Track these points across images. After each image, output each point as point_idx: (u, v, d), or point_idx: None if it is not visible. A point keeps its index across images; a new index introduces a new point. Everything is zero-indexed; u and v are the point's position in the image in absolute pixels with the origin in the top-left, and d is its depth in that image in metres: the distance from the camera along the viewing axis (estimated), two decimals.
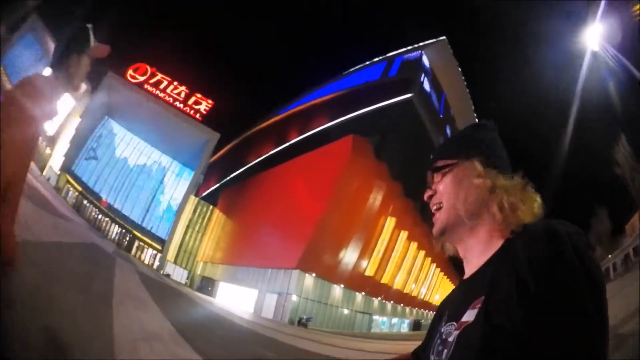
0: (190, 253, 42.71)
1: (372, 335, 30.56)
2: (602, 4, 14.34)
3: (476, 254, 0.80)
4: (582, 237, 0.66)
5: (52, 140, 25.99)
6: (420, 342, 0.95)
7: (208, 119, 38.83)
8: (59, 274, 4.66)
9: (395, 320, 42.24)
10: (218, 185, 49.57)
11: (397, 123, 33.65)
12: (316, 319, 27.42)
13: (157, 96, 36.54)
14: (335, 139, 31.36)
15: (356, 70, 46.75)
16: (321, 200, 27.85)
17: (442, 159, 0.90)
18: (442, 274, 50.80)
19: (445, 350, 0.72)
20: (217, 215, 44.19)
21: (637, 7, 14.83)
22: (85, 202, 31.17)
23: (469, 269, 0.82)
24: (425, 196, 0.91)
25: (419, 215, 36.06)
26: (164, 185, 40.58)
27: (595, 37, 15.18)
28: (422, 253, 41.42)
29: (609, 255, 22.73)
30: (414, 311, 46.77)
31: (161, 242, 37.22)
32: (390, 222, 34.76)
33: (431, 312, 48.27)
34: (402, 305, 42.96)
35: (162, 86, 37.19)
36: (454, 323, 0.73)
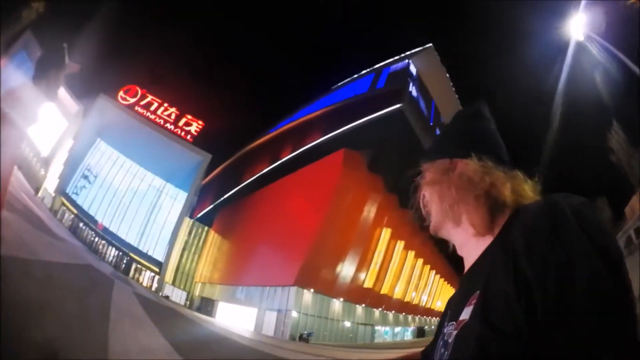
0: (187, 274, 42.23)
1: (375, 345, 30.17)
2: None
3: (473, 245, 0.75)
4: (588, 208, 0.58)
5: (45, 162, 25.93)
6: (424, 347, 0.91)
7: (199, 140, 38.94)
8: (56, 291, 4.71)
9: (398, 329, 41.73)
10: (212, 206, 49.27)
11: (388, 134, 33.90)
12: (318, 334, 27.06)
13: (148, 118, 36.62)
14: (327, 154, 31.46)
15: (344, 84, 47.16)
16: (316, 216, 27.81)
17: (425, 161, 0.89)
18: (442, 279, 50.54)
19: (446, 353, 0.65)
20: (213, 236, 43.95)
21: None
22: (81, 224, 30.90)
23: (468, 263, 0.77)
24: (413, 205, 0.90)
25: (415, 225, 35.76)
26: (159, 208, 40.33)
27: (579, 27, 15.57)
28: (420, 261, 41.18)
29: None
30: (417, 319, 46.27)
31: (158, 264, 36.77)
32: (385, 234, 34.69)
33: (434, 318, 47.78)
34: (404, 314, 42.51)
35: (152, 108, 37.25)
36: (454, 323, 0.67)
